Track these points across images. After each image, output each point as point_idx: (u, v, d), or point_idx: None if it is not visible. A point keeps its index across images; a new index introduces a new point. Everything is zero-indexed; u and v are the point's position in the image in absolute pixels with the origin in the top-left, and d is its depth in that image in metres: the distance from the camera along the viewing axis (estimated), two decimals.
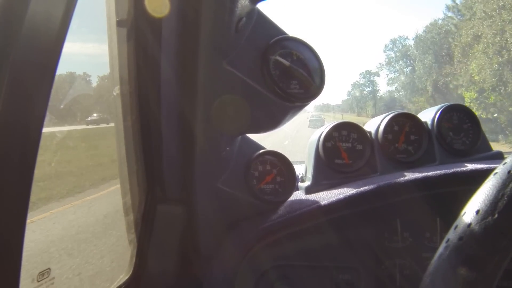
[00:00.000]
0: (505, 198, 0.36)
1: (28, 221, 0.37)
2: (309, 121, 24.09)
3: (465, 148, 0.99)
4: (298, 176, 0.91)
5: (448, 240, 0.38)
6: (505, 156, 0.99)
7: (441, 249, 0.38)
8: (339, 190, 0.84)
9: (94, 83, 0.98)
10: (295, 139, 12.80)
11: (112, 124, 0.70)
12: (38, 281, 0.51)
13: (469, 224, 0.37)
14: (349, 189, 0.82)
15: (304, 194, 0.91)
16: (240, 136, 0.83)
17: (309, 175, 0.97)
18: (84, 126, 1.00)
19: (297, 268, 0.84)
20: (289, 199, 0.87)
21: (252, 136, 0.87)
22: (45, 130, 0.38)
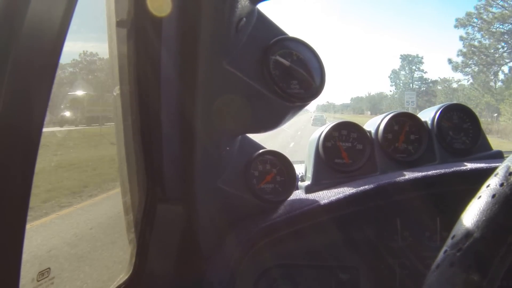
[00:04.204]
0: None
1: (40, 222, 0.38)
2: (312, 120, 28.82)
3: (465, 147, 0.99)
4: (298, 175, 0.91)
5: (450, 240, 0.37)
6: (505, 155, 0.99)
7: (443, 249, 0.38)
8: (339, 189, 0.84)
9: (95, 83, 0.99)
10: (304, 131, 19.41)
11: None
12: (38, 281, 0.51)
13: (473, 221, 0.36)
14: (349, 188, 0.82)
15: (304, 194, 0.91)
16: (240, 136, 0.83)
17: (309, 174, 0.97)
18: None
19: (297, 266, 0.84)
20: (289, 199, 0.87)
21: (257, 135, 0.86)
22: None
